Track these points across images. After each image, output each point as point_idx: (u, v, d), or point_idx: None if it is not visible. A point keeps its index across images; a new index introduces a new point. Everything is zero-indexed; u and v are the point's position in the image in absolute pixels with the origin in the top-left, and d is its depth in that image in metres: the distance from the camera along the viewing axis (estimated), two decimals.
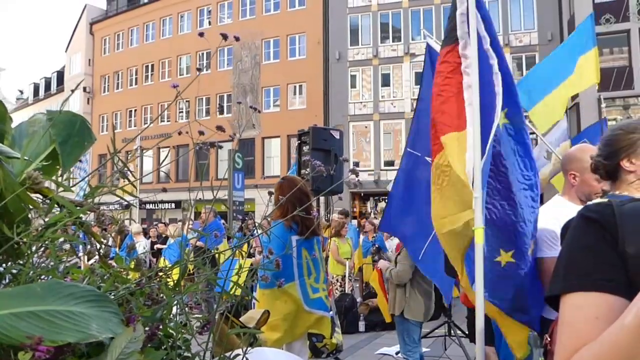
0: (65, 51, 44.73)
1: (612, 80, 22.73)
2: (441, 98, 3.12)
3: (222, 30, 1.42)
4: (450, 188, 3.04)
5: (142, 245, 12.23)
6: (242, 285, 1.47)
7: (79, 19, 43.65)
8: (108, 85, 41.23)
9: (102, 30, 42.03)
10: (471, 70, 3.01)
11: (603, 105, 11.58)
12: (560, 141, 9.04)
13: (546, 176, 7.37)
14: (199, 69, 1.32)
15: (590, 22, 7.25)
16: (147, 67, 38.73)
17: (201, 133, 1.29)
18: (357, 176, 1.29)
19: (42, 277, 1.22)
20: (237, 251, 1.55)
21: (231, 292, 1.43)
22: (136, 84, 39.22)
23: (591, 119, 20.62)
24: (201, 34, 1.35)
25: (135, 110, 38.47)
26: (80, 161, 1.49)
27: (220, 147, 1.33)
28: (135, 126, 37.70)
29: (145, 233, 14.67)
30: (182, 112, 32.89)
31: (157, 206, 33.57)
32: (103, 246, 1.40)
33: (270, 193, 1.74)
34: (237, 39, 1.32)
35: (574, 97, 23.33)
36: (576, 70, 7.06)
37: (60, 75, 45.84)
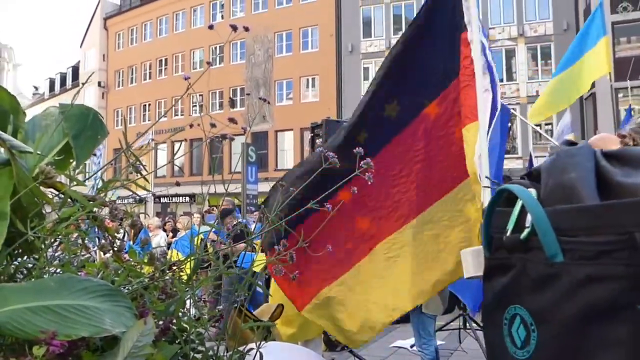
0: (80, 47, 45.03)
1: (629, 70, 22.37)
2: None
3: (234, 24, 1.41)
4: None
5: (162, 238, 12.33)
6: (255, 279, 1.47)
7: (93, 15, 43.91)
8: (122, 79, 41.48)
9: (116, 25, 42.25)
10: (476, 56, 2.97)
11: (620, 95, 11.48)
12: (564, 135, 8.92)
13: None
14: (209, 63, 1.31)
15: (599, 12, 7.15)
16: (160, 61, 38.89)
17: (213, 125, 1.29)
18: (370, 167, 1.27)
19: (56, 271, 1.22)
20: (252, 245, 1.54)
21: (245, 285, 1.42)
22: (150, 78, 39.40)
23: (607, 108, 20.33)
24: (211, 27, 1.34)
25: (149, 105, 38.66)
26: (95, 154, 1.47)
27: (232, 139, 1.32)
28: (149, 120, 37.90)
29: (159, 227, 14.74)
30: (195, 106, 33.02)
31: (171, 200, 33.78)
32: (117, 240, 1.40)
33: (281, 185, 1.73)
34: (246, 29, 1.31)
35: (590, 87, 23.01)
36: (585, 60, 6.97)
37: (76, 70, 46.18)
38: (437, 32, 3.12)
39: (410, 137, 3.16)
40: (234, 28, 1.26)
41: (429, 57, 3.12)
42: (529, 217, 0.90)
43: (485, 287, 1.03)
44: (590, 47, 6.87)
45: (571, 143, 1.01)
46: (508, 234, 0.94)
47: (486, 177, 2.70)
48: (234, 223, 9.15)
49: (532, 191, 0.93)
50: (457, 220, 3.05)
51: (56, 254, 1.32)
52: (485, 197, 2.79)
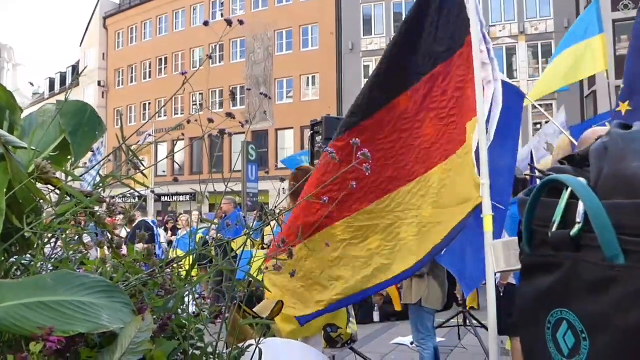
0: (80, 46, 45.01)
1: None
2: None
3: (230, 20, 1.40)
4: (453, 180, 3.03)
5: (162, 236, 12.31)
6: (256, 275, 1.46)
7: (92, 14, 43.88)
8: (122, 79, 41.45)
9: (115, 24, 42.21)
10: (475, 52, 2.97)
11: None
12: (558, 133, 8.90)
13: (546, 167, 7.31)
14: (209, 56, 1.31)
15: (595, 8, 7.15)
16: (160, 60, 38.86)
17: (210, 121, 1.28)
18: (368, 159, 1.26)
19: (54, 267, 1.22)
20: (250, 242, 1.53)
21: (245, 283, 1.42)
22: (150, 77, 39.37)
23: (607, 107, 20.33)
24: (206, 23, 1.33)
25: (149, 104, 38.64)
26: (92, 151, 1.46)
27: (231, 135, 1.31)
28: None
29: (161, 225, 14.77)
30: (195, 104, 33.03)
31: (172, 198, 33.78)
32: (115, 237, 1.40)
33: (282, 179, 1.73)
34: (241, 22, 1.30)
35: (590, 85, 22.97)
36: (575, 53, 6.98)
37: (76, 70, 46.18)
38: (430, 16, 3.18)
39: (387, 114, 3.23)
40: (229, 22, 1.25)
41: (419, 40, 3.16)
42: (579, 211, 0.80)
43: (524, 286, 0.94)
44: (584, 39, 6.88)
45: (625, 126, 0.89)
46: (554, 228, 0.84)
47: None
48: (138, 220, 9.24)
49: (582, 180, 0.84)
50: (409, 214, 3.11)
51: (55, 251, 1.31)
52: (484, 192, 2.79)
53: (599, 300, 0.76)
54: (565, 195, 0.84)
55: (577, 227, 0.80)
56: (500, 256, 1.94)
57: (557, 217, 0.84)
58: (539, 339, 0.87)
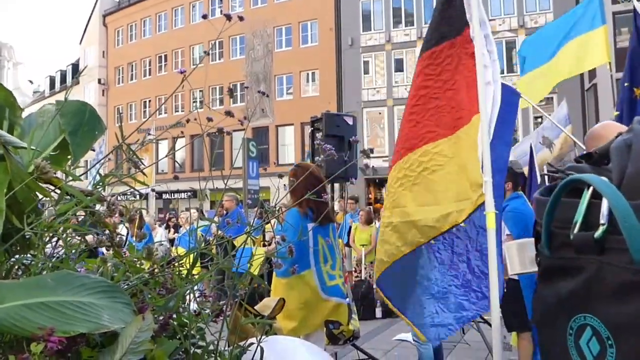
0: (80, 44, 44.96)
1: None
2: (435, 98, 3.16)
3: (230, 15, 1.40)
4: (437, 178, 3.04)
5: (162, 235, 12.34)
6: (256, 273, 1.46)
7: (92, 11, 43.82)
8: (122, 76, 41.43)
9: (115, 21, 42.15)
10: (477, 52, 2.99)
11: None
12: (557, 127, 8.86)
13: (542, 162, 7.26)
14: (206, 52, 1.30)
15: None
16: (160, 57, 38.81)
17: (209, 119, 1.27)
18: (368, 157, 1.26)
19: (54, 267, 1.21)
20: (251, 239, 1.53)
21: (245, 280, 1.42)
22: (150, 74, 39.33)
23: (608, 99, 20.27)
24: (205, 16, 1.33)
25: (149, 101, 38.62)
26: (93, 149, 1.46)
27: (229, 134, 1.31)
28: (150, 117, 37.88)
29: (163, 222, 14.83)
30: (195, 101, 32.97)
31: (173, 196, 33.80)
32: (116, 236, 1.39)
33: (280, 176, 1.72)
34: (241, 19, 1.30)
35: (591, 78, 22.91)
36: (578, 45, 6.93)
37: (76, 67, 46.14)
38: None
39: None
40: (228, 17, 1.25)
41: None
42: (602, 212, 0.76)
43: (543, 288, 0.90)
44: (586, 31, 6.83)
45: None
46: (575, 230, 0.80)
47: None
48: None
49: (606, 179, 0.79)
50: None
51: (55, 250, 1.31)
52: (487, 190, 2.79)
53: (626, 305, 0.73)
54: (587, 195, 0.81)
55: (601, 229, 0.77)
56: (515, 258, 1.88)
57: (579, 218, 0.81)
58: (557, 342, 0.85)
